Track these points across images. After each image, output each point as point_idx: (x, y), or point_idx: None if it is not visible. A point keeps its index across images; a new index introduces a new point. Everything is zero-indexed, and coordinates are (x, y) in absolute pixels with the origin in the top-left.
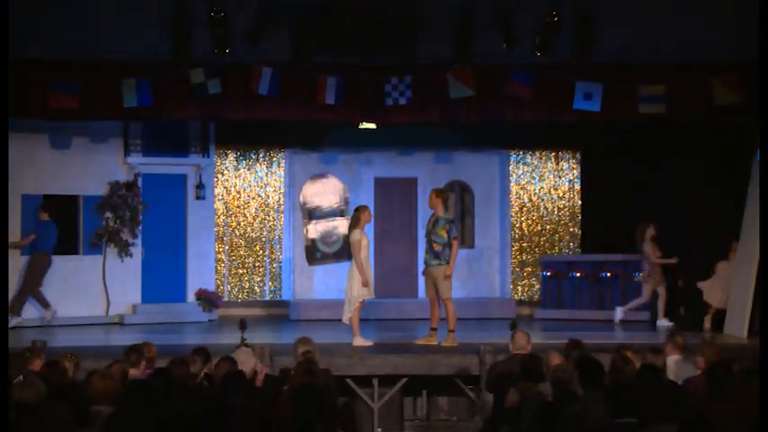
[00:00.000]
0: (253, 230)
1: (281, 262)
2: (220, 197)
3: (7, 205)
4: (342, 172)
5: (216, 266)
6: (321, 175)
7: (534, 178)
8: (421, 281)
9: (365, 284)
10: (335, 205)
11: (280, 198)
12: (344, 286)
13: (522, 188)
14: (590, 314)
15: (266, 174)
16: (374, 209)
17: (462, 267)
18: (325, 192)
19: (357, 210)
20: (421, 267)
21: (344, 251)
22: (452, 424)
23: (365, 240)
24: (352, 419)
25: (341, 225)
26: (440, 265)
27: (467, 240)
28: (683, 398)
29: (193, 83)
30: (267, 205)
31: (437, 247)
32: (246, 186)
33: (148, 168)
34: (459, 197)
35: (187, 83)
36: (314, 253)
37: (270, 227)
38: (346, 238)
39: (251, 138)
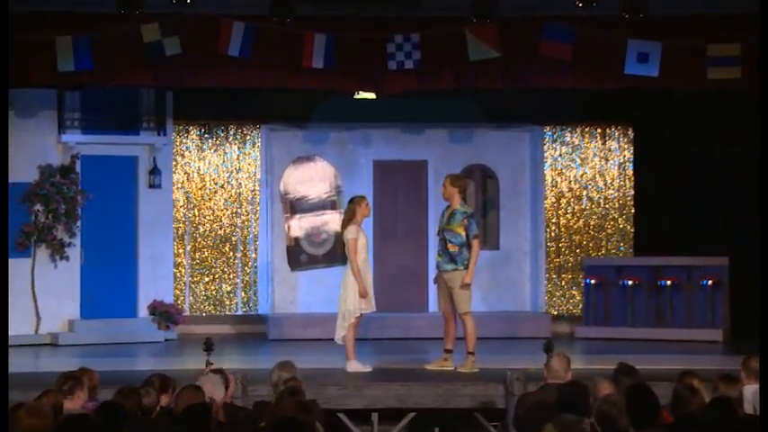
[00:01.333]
0: (221, 227)
1: (256, 267)
2: (180, 185)
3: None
4: (333, 154)
5: (175, 273)
6: (307, 158)
7: (575, 161)
8: (432, 290)
9: (362, 295)
10: (325, 195)
11: (255, 186)
12: (337, 297)
13: (559, 174)
14: (645, 332)
15: (238, 156)
16: (373, 200)
17: (484, 273)
18: (311, 179)
19: (352, 201)
20: (432, 274)
21: (336, 253)
22: None
23: (362, 239)
24: None
25: (332, 220)
26: (456, 270)
27: (490, 240)
28: None
29: (146, 41)
30: (239, 195)
31: (453, 248)
32: (213, 172)
33: (89, 149)
34: (480, 185)
35: (138, 42)
36: (298, 256)
37: (242, 223)
38: (339, 236)
39: (218, 111)
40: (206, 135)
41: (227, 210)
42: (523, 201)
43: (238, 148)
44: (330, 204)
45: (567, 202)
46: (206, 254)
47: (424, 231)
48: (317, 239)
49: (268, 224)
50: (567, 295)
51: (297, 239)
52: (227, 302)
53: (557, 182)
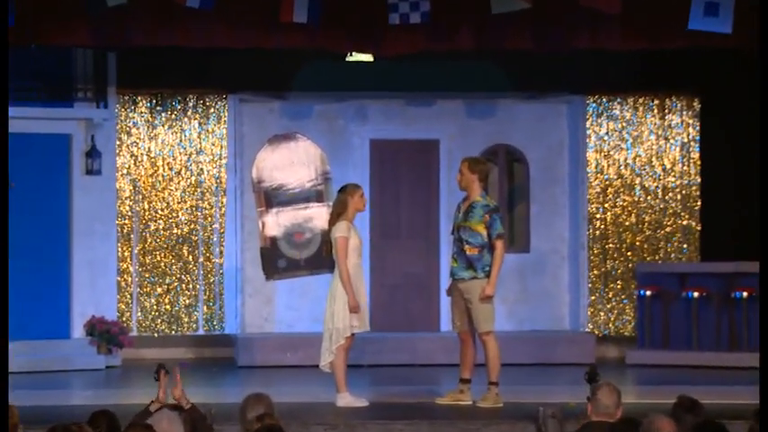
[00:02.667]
0: (178, 224)
1: (222, 275)
2: (126, 171)
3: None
4: (319, 131)
5: (119, 282)
6: (286, 137)
7: (625, 140)
8: (445, 305)
9: (354, 309)
10: (309, 184)
11: (220, 173)
12: (323, 313)
13: (606, 156)
14: (715, 358)
15: (199, 134)
16: (370, 190)
17: (511, 283)
18: (292, 163)
19: (343, 191)
20: (445, 284)
21: (323, 257)
22: None
23: (355, 239)
24: None
25: (318, 216)
26: (475, 279)
27: (518, 240)
28: None
29: None
30: (200, 184)
31: (471, 251)
32: (167, 154)
33: (10, 125)
34: (505, 171)
35: None
36: (275, 260)
37: (205, 219)
38: (326, 235)
39: (174, 77)
40: (158, 108)
41: (185, 202)
42: (560, 191)
43: (199, 125)
44: (315, 195)
45: (616, 192)
46: (158, 258)
47: (434, 230)
48: (298, 240)
49: (237, 221)
50: (615, 310)
51: (273, 240)
52: (186, 319)
53: (602, 167)
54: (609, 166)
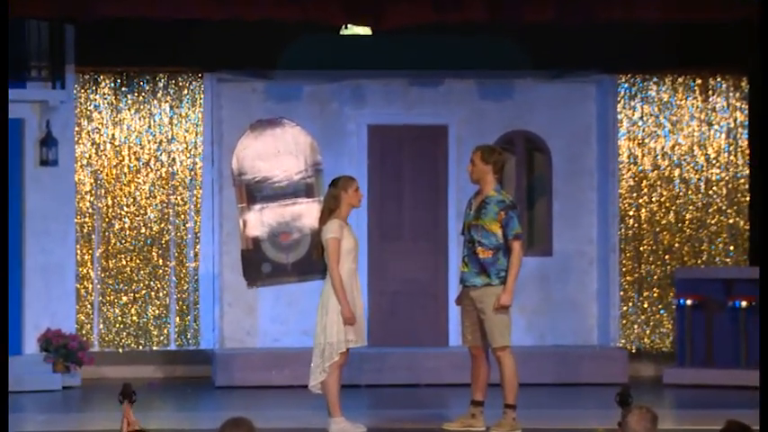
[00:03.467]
0: (146, 223)
1: (197, 281)
2: (86, 161)
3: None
4: (310, 116)
5: (78, 290)
6: (271, 122)
7: (663, 126)
8: (454, 316)
9: (349, 321)
10: (297, 177)
11: (195, 163)
12: (313, 326)
13: (640, 144)
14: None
15: (170, 119)
16: (367, 183)
17: (530, 290)
18: (278, 151)
19: (335, 185)
20: (454, 292)
21: (313, 261)
22: None
23: (349, 240)
24: None
25: (307, 213)
26: (489, 286)
27: (538, 241)
28: None
29: None
30: (172, 177)
31: (484, 254)
32: (134, 142)
33: None
34: (524, 162)
35: None
36: (258, 265)
37: (177, 216)
38: (317, 236)
39: (142, 53)
40: (123, 89)
41: (154, 198)
42: (587, 184)
43: (171, 108)
44: (305, 190)
45: (652, 185)
46: (124, 262)
47: (442, 230)
48: (285, 241)
49: (214, 219)
50: (651, 322)
51: (256, 241)
52: (155, 333)
53: (637, 156)
54: (644, 155)
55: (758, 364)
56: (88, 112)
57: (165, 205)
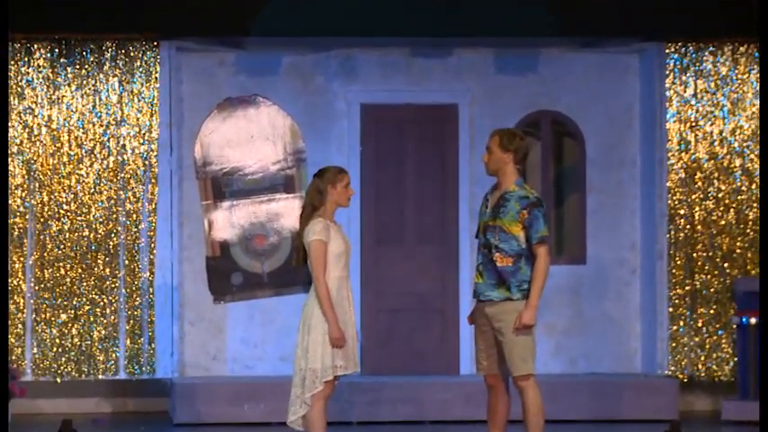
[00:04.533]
0: (89, 224)
1: (152, 295)
2: (17, 148)
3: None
4: (290, 93)
5: (9, 307)
6: (243, 101)
7: (721, 106)
8: (466, 337)
9: (338, 343)
10: (275, 167)
11: (150, 151)
12: (293, 348)
13: (692, 127)
14: None
15: (120, 97)
16: (360, 174)
17: (559, 306)
18: (251, 137)
19: (321, 176)
20: (467, 308)
21: (294, 270)
22: None
23: (338, 244)
24: None
25: (287, 211)
26: (508, 300)
27: (569, 246)
28: None
29: None
30: (122, 167)
31: (503, 262)
32: (75, 124)
33: None
34: (551, 149)
35: None
36: (226, 275)
37: (128, 216)
38: (299, 239)
39: (85, 17)
40: (62, 60)
41: (99, 193)
42: (629, 176)
43: (121, 84)
44: (284, 183)
45: (708, 178)
46: (62, 272)
47: (451, 232)
48: (260, 245)
49: (173, 219)
50: (706, 345)
51: (225, 246)
52: (101, 358)
53: (689, 143)
54: (698, 141)
55: None
56: (19, 89)
57: (113, 203)
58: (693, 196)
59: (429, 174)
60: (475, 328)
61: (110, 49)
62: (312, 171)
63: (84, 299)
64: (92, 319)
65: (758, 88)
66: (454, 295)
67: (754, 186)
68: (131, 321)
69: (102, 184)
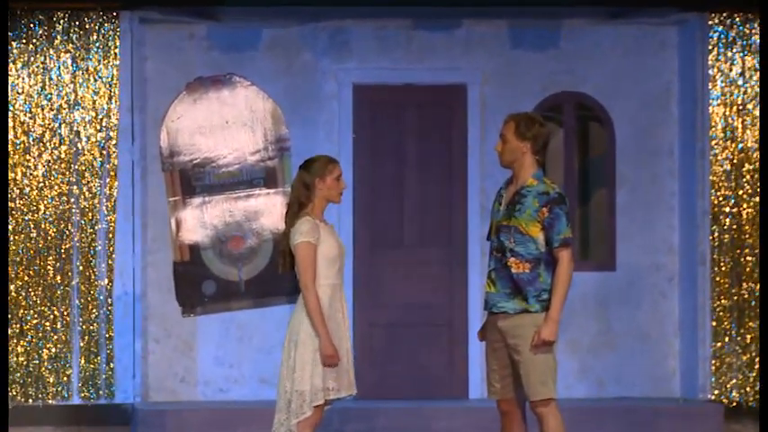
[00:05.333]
0: (38, 224)
1: (111, 305)
2: None
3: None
4: (271, 71)
5: None
6: (217, 81)
7: None
8: (476, 356)
9: (329, 361)
10: (254, 157)
11: (108, 139)
12: (276, 369)
13: (739, 111)
14: None
15: (73, 76)
16: (353, 166)
17: (585, 319)
18: (226, 123)
19: (308, 168)
20: (477, 321)
21: (277, 278)
22: None
23: (331, 246)
24: None
25: (268, 209)
26: (526, 312)
27: (595, 249)
28: None
29: None
30: (75, 157)
31: (519, 268)
32: (21, 108)
33: None
34: (575, 137)
35: None
36: (197, 284)
37: (83, 214)
38: (283, 241)
39: None
40: (8, 32)
41: (50, 188)
42: (665, 169)
43: (74, 61)
44: (264, 176)
45: (757, 171)
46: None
47: (458, 233)
48: (236, 249)
49: (135, 218)
50: (755, 364)
51: (195, 249)
52: (51, 381)
53: (735, 129)
54: (745, 128)
55: None
56: None
57: (65, 199)
58: (740, 192)
59: (433, 165)
60: (486, 345)
61: (61, 21)
62: (297, 162)
63: (32, 311)
64: (40, 334)
65: None
66: (462, 307)
67: None
68: (87, 337)
69: (52, 178)
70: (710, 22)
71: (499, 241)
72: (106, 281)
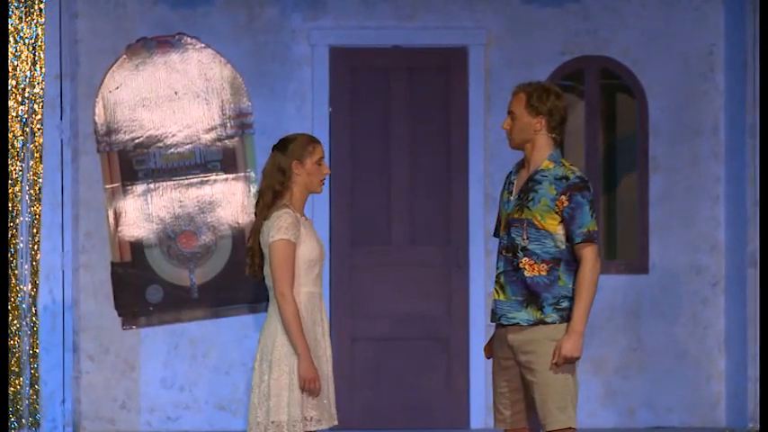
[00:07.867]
0: None
1: (34, 318)
2: None
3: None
4: (230, 31)
5: None
6: (164, 43)
7: None
8: (480, 377)
9: (309, 384)
10: (209, 136)
11: (32, 113)
12: (245, 394)
13: None
14: None
15: None
16: (330, 146)
17: (613, 330)
18: (175, 94)
19: (283, 148)
20: (481, 336)
21: (240, 283)
22: None
23: (312, 246)
24: None
25: (227, 198)
26: (541, 324)
27: (624, 248)
28: None
29: None
30: None
31: (533, 270)
32: None
33: None
34: (598, 112)
35: None
36: (140, 289)
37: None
38: (252, 238)
39: None
40: None
41: None
42: (708, 152)
43: None
44: (222, 158)
45: None
46: None
47: (459, 229)
48: (188, 247)
49: (64, 209)
50: None
51: (138, 247)
52: None
53: None
54: None
55: None
56: None
57: None
58: None
59: (427, 146)
60: (493, 363)
61: None
62: (261, 142)
63: None
64: None
65: None
66: (463, 318)
67: None
68: (13, 353)
69: None
70: None
71: (509, 238)
72: (30, 286)
